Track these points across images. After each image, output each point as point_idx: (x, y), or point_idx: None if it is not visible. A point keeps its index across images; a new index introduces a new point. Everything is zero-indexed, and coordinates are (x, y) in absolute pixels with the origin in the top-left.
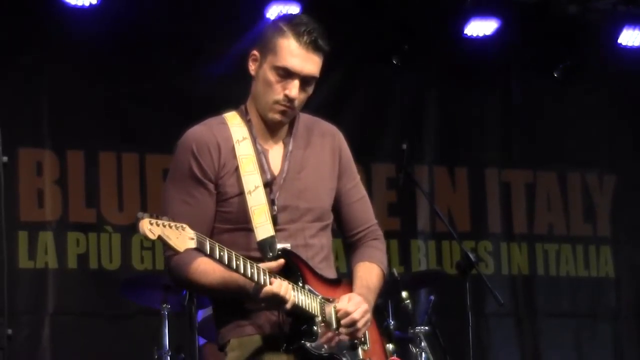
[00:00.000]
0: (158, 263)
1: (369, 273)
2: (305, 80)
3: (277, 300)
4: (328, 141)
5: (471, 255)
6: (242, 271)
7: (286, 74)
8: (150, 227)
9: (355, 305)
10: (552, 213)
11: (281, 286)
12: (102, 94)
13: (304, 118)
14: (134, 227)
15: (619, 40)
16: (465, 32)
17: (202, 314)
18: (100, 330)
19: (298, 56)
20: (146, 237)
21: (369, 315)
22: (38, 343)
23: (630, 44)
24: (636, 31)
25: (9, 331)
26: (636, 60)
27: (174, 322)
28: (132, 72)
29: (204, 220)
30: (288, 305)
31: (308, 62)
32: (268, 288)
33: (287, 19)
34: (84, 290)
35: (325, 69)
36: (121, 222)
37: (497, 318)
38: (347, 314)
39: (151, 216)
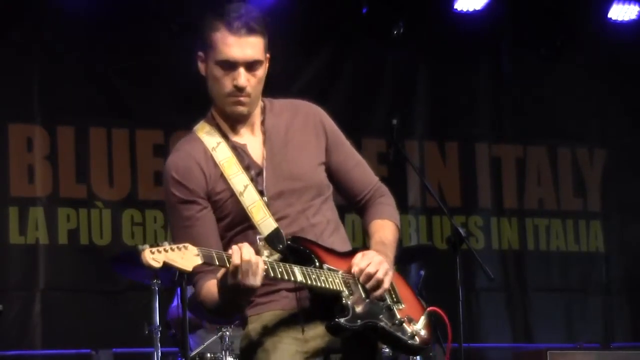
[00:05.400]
0: (148, 239)
1: (382, 229)
2: (249, 66)
3: (245, 270)
4: (310, 119)
5: (461, 230)
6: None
7: (228, 66)
8: (152, 257)
9: (367, 259)
10: (542, 188)
11: (240, 251)
12: (93, 69)
13: (279, 103)
14: (124, 203)
15: (609, 15)
16: (455, 7)
17: (190, 290)
18: (91, 306)
19: (233, 44)
20: (151, 268)
21: (385, 265)
22: (29, 318)
23: (620, 18)
24: (626, 5)
25: (0, 307)
26: (626, 34)
27: (164, 298)
28: (122, 48)
29: (209, 233)
30: (261, 264)
31: (245, 47)
32: (231, 264)
33: (216, 11)
34: (75, 265)
35: (316, 44)
36: (112, 197)
37: (488, 293)
38: (361, 271)
39: (151, 245)
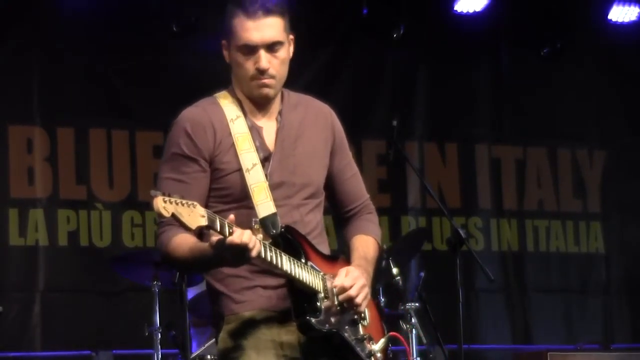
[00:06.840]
0: (148, 240)
1: (366, 245)
2: (269, 47)
3: (240, 249)
4: (321, 119)
5: (461, 232)
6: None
7: (249, 50)
8: (164, 205)
9: (352, 280)
10: (542, 189)
11: (242, 235)
12: (93, 70)
13: (295, 96)
14: (124, 204)
15: (609, 16)
16: (455, 8)
17: (192, 293)
18: (91, 307)
19: (250, 28)
20: (160, 215)
21: (366, 290)
22: (29, 320)
23: (620, 20)
24: (626, 7)
25: (0, 308)
26: (626, 36)
27: (164, 299)
28: (122, 49)
29: (196, 195)
30: (253, 253)
31: (263, 29)
32: (229, 238)
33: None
34: (75, 267)
35: (316, 44)
36: (112, 199)
37: (488, 294)
38: (343, 290)
39: (164, 194)
